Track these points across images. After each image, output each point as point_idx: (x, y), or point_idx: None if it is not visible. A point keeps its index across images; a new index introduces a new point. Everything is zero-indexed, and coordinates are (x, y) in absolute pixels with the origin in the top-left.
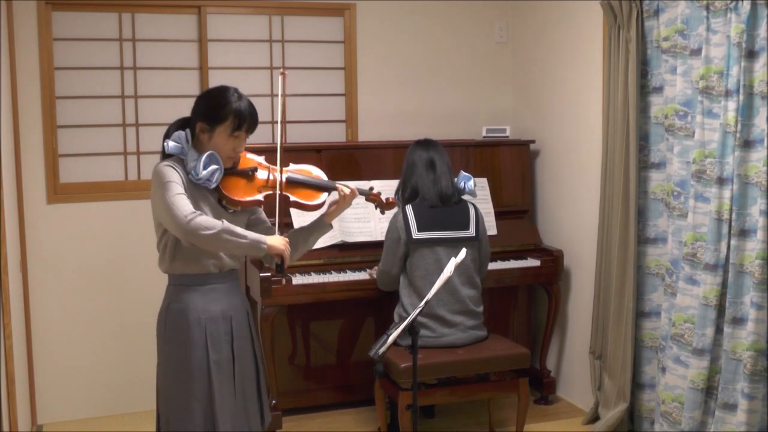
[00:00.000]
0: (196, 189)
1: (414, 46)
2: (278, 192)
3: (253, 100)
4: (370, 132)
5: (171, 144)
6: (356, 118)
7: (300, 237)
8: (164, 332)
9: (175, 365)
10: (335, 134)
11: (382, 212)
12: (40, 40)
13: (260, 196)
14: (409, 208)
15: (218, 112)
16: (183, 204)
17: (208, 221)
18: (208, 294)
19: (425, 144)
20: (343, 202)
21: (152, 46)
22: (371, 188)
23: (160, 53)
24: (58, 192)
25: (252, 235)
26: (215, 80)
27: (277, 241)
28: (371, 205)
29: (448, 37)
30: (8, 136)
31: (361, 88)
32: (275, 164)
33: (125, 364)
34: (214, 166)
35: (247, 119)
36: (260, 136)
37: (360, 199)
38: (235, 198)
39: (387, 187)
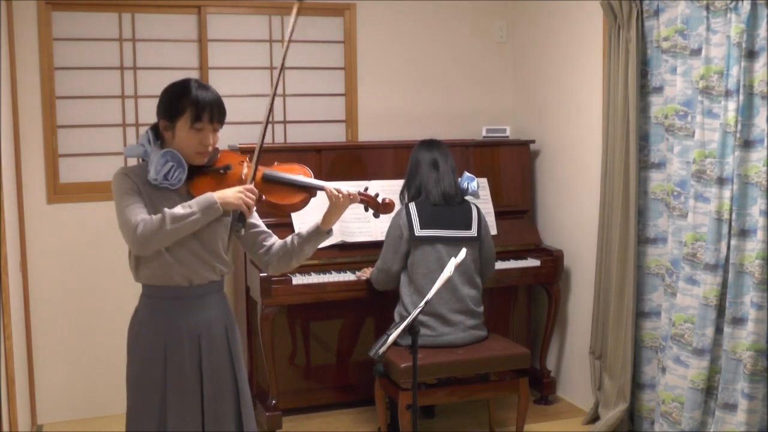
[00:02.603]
0: (157, 193)
1: (414, 46)
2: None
3: (253, 101)
4: (370, 132)
5: (129, 146)
6: (356, 118)
7: (297, 244)
8: (128, 342)
9: (132, 380)
10: (335, 134)
11: (376, 216)
12: (40, 40)
13: None
14: (412, 206)
15: (176, 104)
16: (131, 215)
17: (152, 222)
18: (175, 308)
19: (429, 144)
20: (336, 207)
21: (152, 46)
22: (366, 189)
23: (160, 53)
24: (58, 192)
25: (199, 202)
26: (215, 80)
27: (229, 195)
28: None
29: (448, 37)
30: (8, 136)
31: (361, 88)
32: (275, 162)
33: (125, 364)
34: (169, 164)
35: (207, 108)
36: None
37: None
38: None
39: (387, 187)
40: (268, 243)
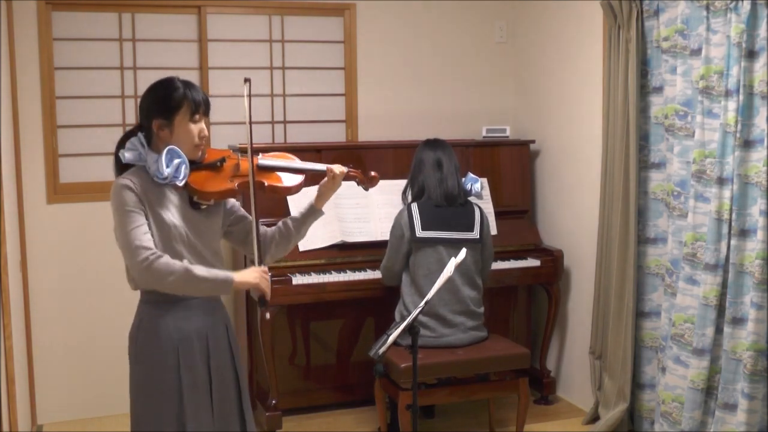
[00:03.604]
0: (156, 195)
1: (414, 46)
2: (251, 171)
3: (253, 101)
4: (370, 132)
5: (127, 154)
6: (356, 118)
7: (292, 227)
8: (135, 353)
9: (145, 388)
10: (335, 134)
11: (366, 189)
12: (40, 40)
13: (233, 185)
14: (414, 206)
15: (171, 101)
16: (143, 241)
17: (168, 265)
18: (181, 312)
19: (434, 143)
20: (332, 183)
21: (152, 46)
22: (350, 165)
23: (160, 53)
24: (58, 192)
25: (216, 274)
26: (215, 80)
27: (248, 275)
28: (371, 205)
29: (448, 36)
30: (8, 136)
31: (361, 88)
32: (260, 153)
33: (125, 364)
34: (177, 160)
35: (202, 100)
36: (260, 136)
37: (360, 199)
38: (207, 190)
39: (388, 187)
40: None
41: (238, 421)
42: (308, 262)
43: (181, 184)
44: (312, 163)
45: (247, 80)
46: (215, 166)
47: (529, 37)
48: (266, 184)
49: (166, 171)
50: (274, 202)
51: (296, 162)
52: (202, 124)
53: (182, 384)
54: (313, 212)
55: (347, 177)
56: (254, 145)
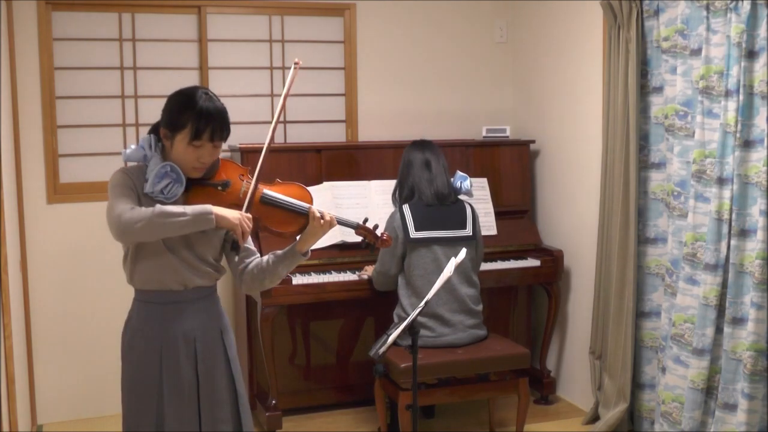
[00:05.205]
0: (152, 202)
1: (414, 46)
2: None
3: (253, 101)
4: (370, 132)
5: (129, 150)
6: (356, 118)
7: (271, 263)
8: (122, 350)
9: (128, 384)
10: (335, 134)
11: (371, 250)
12: (40, 40)
13: None
14: (406, 208)
15: (178, 117)
16: (120, 202)
17: (140, 212)
18: (169, 313)
19: (421, 144)
20: (317, 231)
21: (152, 46)
22: (366, 220)
23: (160, 53)
24: (58, 192)
25: (194, 209)
26: (215, 80)
27: (230, 213)
28: (371, 205)
29: (448, 37)
30: (8, 136)
31: (361, 88)
32: (276, 179)
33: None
34: (165, 181)
35: (209, 126)
36: (260, 136)
37: (360, 200)
38: None
39: (388, 187)
40: (248, 260)
41: (232, 426)
42: (308, 262)
43: (169, 202)
44: (312, 207)
45: (296, 63)
46: (216, 189)
47: (529, 37)
48: (261, 223)
49: (149, 186)
50: None
51: (299, 202)
52: (205, 150)
53: (163, 384)
54: (292, 255)
55: (357, 232)
56: (252, 145)
